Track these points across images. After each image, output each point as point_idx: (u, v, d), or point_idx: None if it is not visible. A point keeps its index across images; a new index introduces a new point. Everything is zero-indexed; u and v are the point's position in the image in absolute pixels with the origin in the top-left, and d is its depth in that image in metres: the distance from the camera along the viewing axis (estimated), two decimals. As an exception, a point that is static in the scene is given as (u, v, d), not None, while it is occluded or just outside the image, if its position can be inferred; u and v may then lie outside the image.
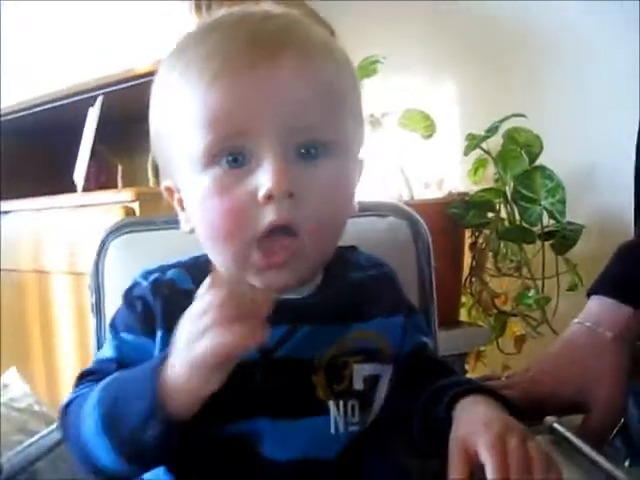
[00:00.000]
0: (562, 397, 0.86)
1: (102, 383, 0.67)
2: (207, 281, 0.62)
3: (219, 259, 0.71)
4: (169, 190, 0.78)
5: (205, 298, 0.61)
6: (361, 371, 0.74)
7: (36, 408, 1.07)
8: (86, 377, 0.72)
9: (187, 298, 0.64)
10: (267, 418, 0.69)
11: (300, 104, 0.68)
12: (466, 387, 0.70)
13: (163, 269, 0.77)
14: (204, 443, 0.68)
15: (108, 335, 0.76)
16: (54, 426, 0.96)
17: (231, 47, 0.67)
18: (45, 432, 0.94)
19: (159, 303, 0.73)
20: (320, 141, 0.69)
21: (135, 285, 0.77)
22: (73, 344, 1.84)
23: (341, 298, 0.76)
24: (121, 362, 0.71)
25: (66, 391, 1.86)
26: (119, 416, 0.63)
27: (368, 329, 0.76)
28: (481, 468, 0.59)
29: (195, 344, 0.59)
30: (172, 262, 0.79)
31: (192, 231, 0.76)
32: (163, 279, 0.75)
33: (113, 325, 0.76)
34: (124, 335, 0.74)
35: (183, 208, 0.77)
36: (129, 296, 0.76)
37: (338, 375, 0.73)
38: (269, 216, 0.66)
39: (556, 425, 0.81)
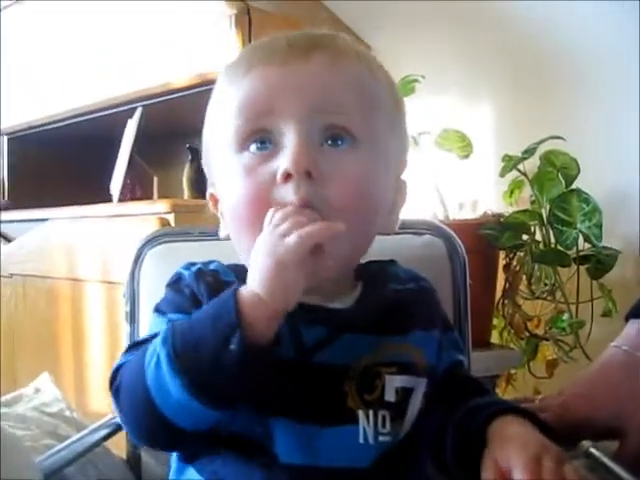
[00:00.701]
0: (597, 421, 0.85)
1: (162, 331, 0.66)
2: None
3: (246, 249, 0.70)
4: (213, 199, 0.80)
5: (278, 213, 0.65)
6: (393, 382, 0.73)
7: (67, 413, 1.07)
8: (135, 347, 0.72)
9: (228, 288, 0.65)
10: (288, 419, 0.69)
11: (325, 90, 0.71)
12: (503, 407, 0.70)
13: (205, 262, 0.79)
14: (228, 441, 0.68)
15: (153, 318, 0.76)
16: (85, 431, 0.97)
17: (269, 47, 0.73)
18: (76, 437, 0.95)
19: (204, 289, 0.73)
20: (346, 129, 0.71)
21: (179, 275, 0.78)
22: (103, 353, 1.85)
23: (380, 309, 0.76)
24: None
25: (95, 398, 1.87)
26: (195, 341, 0.62)
27: (404, 342, 0.76)
28: None
29: (279, 244, 0.62)
30: (213, 260, 0.80)
31: (228, 237, 0.78)
32: (206, 269, 0.77)
33: (159, 309, 0.76)
34: (172, 316, 0.74)
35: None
36: (174, 284, 0.78)
37: (370, 385, 0.72)
38: (287, 196, 0.67)
39: (592, 450, 0.80)
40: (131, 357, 0.69)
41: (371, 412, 0.71)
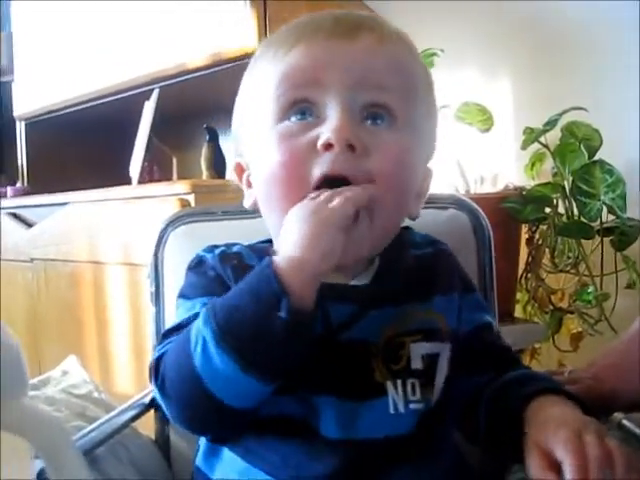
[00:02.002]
0: (628, 393, 0.84)
1: (202, 313, 0.66)
2: None
3: (277, 219, 0.71)
4: (239, 168, 0.81)
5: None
6: (419, 350, 0.74)
7: (95, 395, 1.07)
8: (171, 334, 0.72)
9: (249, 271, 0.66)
10: (332, 396, 0.70)
11: (369, 66, 0.72)
12: (540, 386, 0.70)
13: (228, 245, 0.79)
14: (265, 419, 0.69)
15: (180, 304, 0.77)
16: (114, 412, 0.97)
17: (313, 25, 0.74)
18: (105, 418, 0.95)
19: (230, 271, 0.74)
20: (387, 108, 0.72)
21: (200, 258, 0.79)
22: (127, 334, 1.86)
23: (400, 279, 0.76)
24: None
25: (120, 380, 1.88)
26: (241, 316, 0.63)
27: (427, 308, 0.76)
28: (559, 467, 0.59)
29: (323, 207, 0.64)
30: (234, 243, 0.81)
31: (252, 207, 0.79)
32: (230, 252, 0.78)
33: (184, 295, 0.77)
34: (200, 299, 0.74)
35: (250, 186, 0.79)
36: (197, 267, 0.78)
37: (395, 355, 0.73)
38: (326, 164, 0.68)
39: (625, 421, 0.79)
40: (170, 346, 0.69)
41: (399, 382, 0.72)
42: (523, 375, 0.75)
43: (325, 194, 0.66)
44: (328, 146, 0.68)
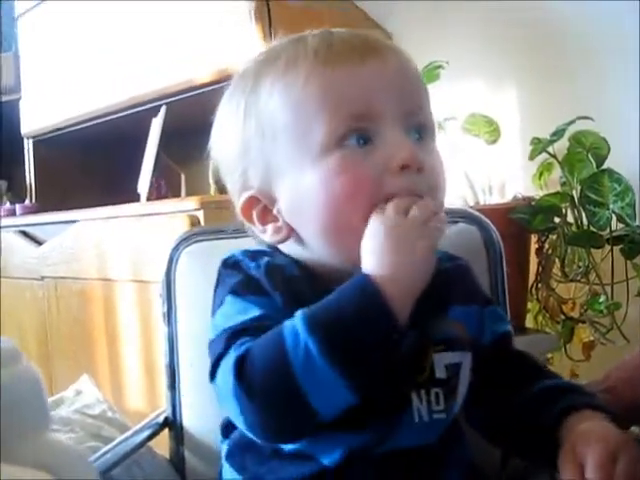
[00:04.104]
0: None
1: (296, 320, 0.65)
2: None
3: (341, 242, 0.72)
4: (251, 202, 0.77)
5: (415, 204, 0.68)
6: (442, 360, 0.75)
7: (109, 414, 1.08)
8: (240, 336, 0.70)
9: (297, 283, 0.70)
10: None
11: (410, 90, 0.74)
12: (577, 401, 0.72)
13: (268, 253, 0.78)
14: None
15: (230, 301, 0.75)
16: (129, 432, 0.98)
17: (341, 44, 0.73)
18: (120, 439, 0.96)
19: (275, 285, 0.73)
20: (426, 125, 0.75)
21: (236, 260, 0.78)
22: (138, 351, 1.86)
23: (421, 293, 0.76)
24: (270, 318, 0.70)
25: (132, 398, 1.88)
26: (350, 329, 0.64)
27: (447, 318, 0.77)
28: None
29: (426, 230, 0.67)
30: (263, 249, 0.80)
31: (283, 241, 0.77)
32: (275, 263, 0.76)
33: (234, 291, 0.75)
34: (251, 297, 0.73)
35: (266, 220, 0.77)
36: (236, 266, 0.77)
37: (419, 366, 0.74)
38: (404, 184, 0.70)
39: (642, 436, 0.79)
40: (250, 345, 0.67)
41: (423, 392, 0.73)
42: (560, 385, 0.77)
43: (423, 214, 0.68)
44: (404, 167, 0.69)
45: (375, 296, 0.64)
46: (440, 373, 0.74)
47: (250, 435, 0.69)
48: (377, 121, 0.71)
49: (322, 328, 0.64)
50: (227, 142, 0.78)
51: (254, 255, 0.77)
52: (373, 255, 0.67)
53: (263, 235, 0.78)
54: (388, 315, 0.63)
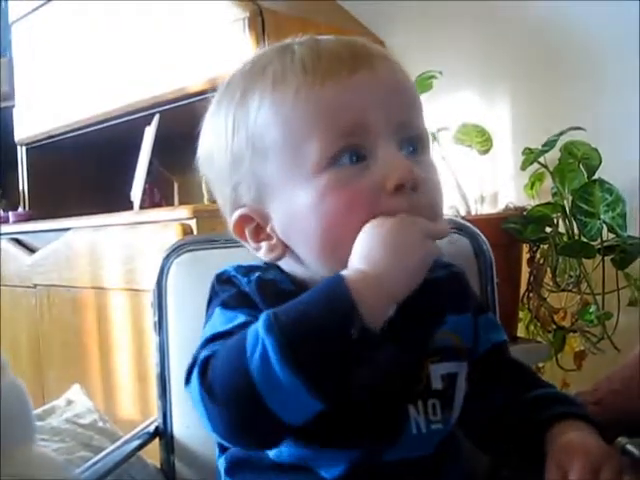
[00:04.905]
0: (633, 418, 0.85)
1: (262, 320, 0.62)
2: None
3: (336, 260, 0.69)
4: (243, 219, 0.75)
5: (403, 222, 0.66)
6: (438, 370, 0.74)
7: (100, 424, 1.08)
8: (216, 339, 0.69)
9: (289, 299, 0.64)
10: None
11: (402, 102, 0.72)
12: (564, 410, 0.72)
13: (261, 268, 0.77)
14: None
15: (219, 313, 0.73)
16: (119, 442, 0.98)
17: (329, 55, 0.70)
18: (111, 448, 0.95)
19: (265, 300, 0.72)
20: (419, 138, 0.73)
21: (229, 275, 0.77)
22: (130, 360, 1.86)
23: (415, 303, 0.73)
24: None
25: (124, 406, 1.87)
26: (307, 330, 0.61)
27: (442, 329, 0.77)
28: None
29: (423, 244, 0.66)
30: (257, 264, 0.79)
31: (277, 258, 0.75)
32: (266, 278, 0.75)
33: (225, 304, 0.73)
34: (241, 309, 0.72)
35: (259, 238, 0.76)
36: (229, 282, 0.76)
37: (416, 377, 0.74)
38: (399, 204, 0.68)
39: (629, 446, 0.79)
40: (218, 349, 0.66)
41: (420, 403, 0.73)
42: (549, 395, 0.77)
43: (421, 224, 0.67)
44: (400, 187, 0.68)
45: (343, 295, 0.61)
46: (436, 384, 0.74)
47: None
48: (369, 136, 0.69)
49: (281, 327, 0.60)
50: (217, 155, 0.76)
51: (247, 271, 0.76)
52: (364, 249, 0.65)
53: (257, 253, 0.76)
54: (354, 316, 0.60)
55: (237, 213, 0.75)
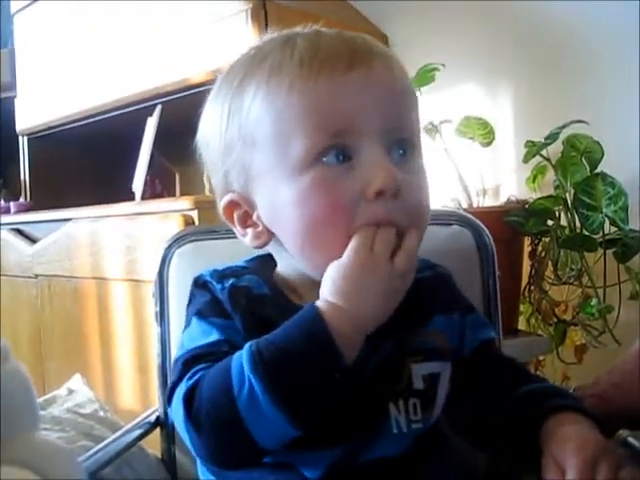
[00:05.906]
0: (633, 411, 0.85)
1: (243, 354, 0.65)
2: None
3: (315, 259, 0.71)
4: (232, 205, 0.77)
5: (381, 236, 0.67)
6: (420, 370, 0.74)
7: (101, 414, 1.08)
8: (195, 363, 0.70)
9: (263, 304, 0.69)
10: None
11: (395, 104, 0.71)
12: (559, 402, 0.71)
13: (236, 273, 0.78)
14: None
15: (195, 322, 0.75)
16: (120, 432, 0.98)
17: (327, 50, 0.70)
18: (111, 438, 0.96)
19: (237, 308, 0.74)
20: (410, 140, 0.72)
21: (204, 280, 0.78)
22: (131, 350, 1.86)
23: (402, 304, 0.73)
24: (230, 342, 0.71)
25: (124, 397, 1.88)
26: (292, 369, 0.63)
27: (427, 329, 0.77)
28: None
29: (393, 272, 0.66)
30: (238, 264, 0.81)
31: (262, 247, 0.77)
32: (240, 285, 0.76)
33: (199, 312, 0.76)
34: (215, 319, 0.74)
35: (246, 224, 0.77)
36: (203, 288, 0.78)
37: (397, 376, 0.73)
38: (377, 212, 0.68)
39: (630, 439, 0.79)
40: (202, 379, 0.68)
41: (401, 402, 0.73)
42: (544, 388, 0.76)
43: (380, 247, 0.67)
44: (380, 193, 0.67)
45: (321, 331, 0.63)
46: (418, 384, 0.74)
47: None
48: (357, 137, 0.69)
49: (265, 366, 0.63)
50: (212, 140, 0.77)
51: (222, 276, 0.78)
52: (331, 281, 0.67)
53: (243, 239, 0.78)
54: (334, 356, 0.63)
55: (226, 198, 0.77)
